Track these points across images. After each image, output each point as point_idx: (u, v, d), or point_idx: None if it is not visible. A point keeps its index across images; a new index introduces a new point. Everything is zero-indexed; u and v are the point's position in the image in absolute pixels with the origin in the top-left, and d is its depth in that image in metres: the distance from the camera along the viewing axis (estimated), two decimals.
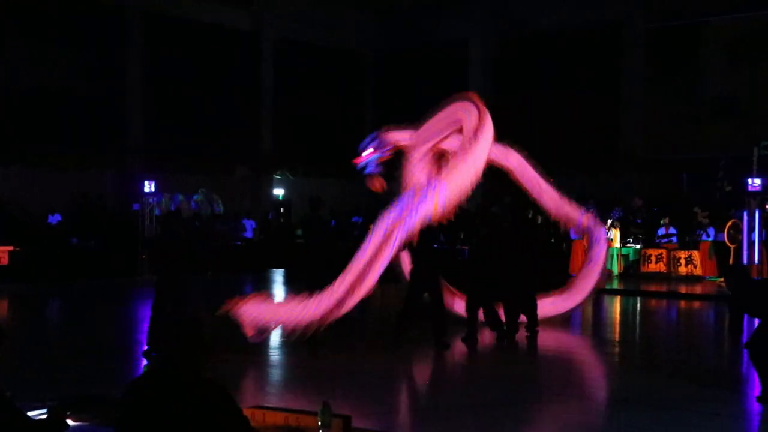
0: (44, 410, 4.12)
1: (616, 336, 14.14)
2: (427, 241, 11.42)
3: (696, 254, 21.37)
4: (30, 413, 3.89)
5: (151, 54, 27.04)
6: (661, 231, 22.13)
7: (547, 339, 12.12)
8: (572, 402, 8.57)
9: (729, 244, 20.34)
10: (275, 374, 10.21)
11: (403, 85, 31.50)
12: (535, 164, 13.24)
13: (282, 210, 29.05)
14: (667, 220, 22.03)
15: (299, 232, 23.51)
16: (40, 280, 19.82)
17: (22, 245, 20.93)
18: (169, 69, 27.27)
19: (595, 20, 28.15)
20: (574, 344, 13.02)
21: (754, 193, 20.11)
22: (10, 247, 20.67)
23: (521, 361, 11.25)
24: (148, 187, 23.22)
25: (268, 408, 4.13)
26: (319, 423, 3.71)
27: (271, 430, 3.95)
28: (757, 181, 20.37)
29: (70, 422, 3.95)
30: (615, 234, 22.20)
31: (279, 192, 30.67)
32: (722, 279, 20.07)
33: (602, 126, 28.19)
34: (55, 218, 23.37)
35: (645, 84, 27.82)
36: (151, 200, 23.39)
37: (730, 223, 20.48)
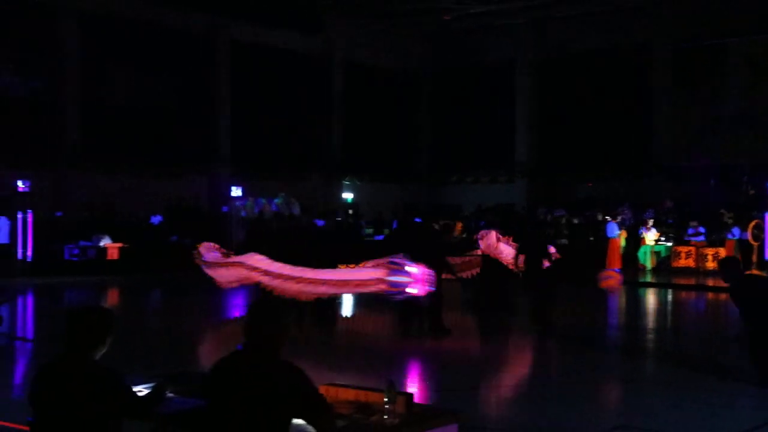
0: (145, 385, 4.21)
1: (650, 324, 13.91)
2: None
3: (722, 251, 20.84)
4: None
5: (237, 75, 27.51)
6: (691, 230, 21.69)
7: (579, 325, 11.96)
8: (598, 383, 8.48)
9: (752, 242, 19.87)
10: (340, 356, 10.30)
11: (456, 101, 31.44)
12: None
13: (351, 211, 29.23)
14: (696, 224, 21.62)
15: (368, 230, 23.59)
16: (144, 273, 20.26)
17: (129, 242, 21.46)
18: (252, 88, 27.70)
19: (628, 41, 27.85)
20: (609, 331, 12.84)
21: None
22: (120, 244, 21.24)
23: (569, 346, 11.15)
24: (236, 191, 23.75)
25: (340, 385, 4.18)
26: (386, 399, 3.75)
27: (344, 404, 4.00)
28: None
29: (169, 394, 4.05)
30: (649, 233, 21.87)
31: (348, 196, 30.87)
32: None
33: (636, 136, 27.77)
34: (156, 219, 23.90)
35: (674, 98, 27.27)
36: (237, 203, 23.85)
37: (753, 223, 20.01)
